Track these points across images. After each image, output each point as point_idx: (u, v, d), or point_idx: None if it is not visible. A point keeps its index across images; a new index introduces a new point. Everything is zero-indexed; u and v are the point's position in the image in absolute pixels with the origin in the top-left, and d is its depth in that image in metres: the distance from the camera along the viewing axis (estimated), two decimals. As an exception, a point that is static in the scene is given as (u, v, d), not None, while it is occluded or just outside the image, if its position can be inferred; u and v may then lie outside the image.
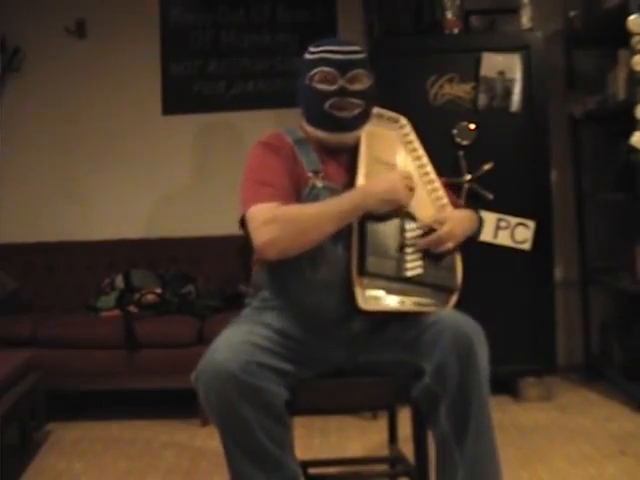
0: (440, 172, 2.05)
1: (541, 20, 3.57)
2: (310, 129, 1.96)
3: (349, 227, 1.83)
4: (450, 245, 1.89)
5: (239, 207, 1.86)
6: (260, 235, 1.75)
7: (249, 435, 1.65)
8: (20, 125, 4.10)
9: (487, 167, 3.39)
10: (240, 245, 1.87)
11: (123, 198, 4.09)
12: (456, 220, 1.92)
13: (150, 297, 3.55)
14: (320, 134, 1.93)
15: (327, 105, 1.88)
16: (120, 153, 4.11)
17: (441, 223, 1.88)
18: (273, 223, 1.74)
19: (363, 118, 1.94)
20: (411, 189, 1.86)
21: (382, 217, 1.85)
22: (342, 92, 1.87)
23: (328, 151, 1.96)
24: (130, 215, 4.07)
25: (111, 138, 4.11)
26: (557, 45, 3.89)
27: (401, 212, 1.87)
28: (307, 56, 1.94)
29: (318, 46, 1.92)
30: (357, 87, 1.89)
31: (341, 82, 1.87)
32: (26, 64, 4.09)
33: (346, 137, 1.93)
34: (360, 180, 1.87)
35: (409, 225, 1.88)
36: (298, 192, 1.86)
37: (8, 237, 4.00)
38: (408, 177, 1.87)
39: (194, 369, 1.70)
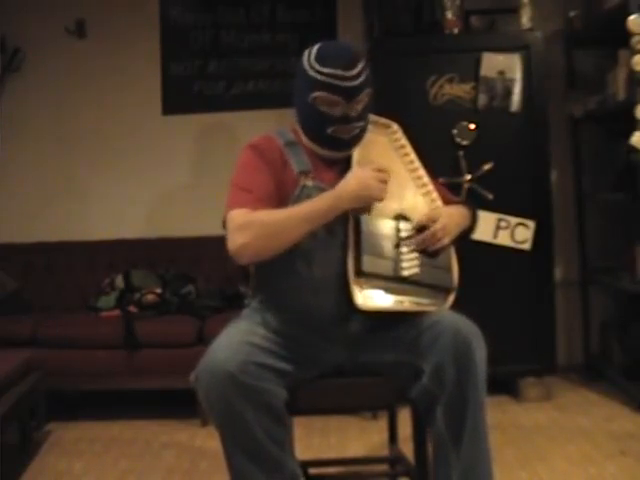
0: (439, 172, 2.05)
1: (541, 20, 3.57)
2: (305, 140, 1.94)
3: (345, 228, 1.84)
4: (445, 241, 1.88)
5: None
6: (233, 240, 1.77)
7: (249, 435, 1.65)
8: (20, 125, 4.10)
9: (487, 167, 3.39)
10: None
11: (123, 198, 4.09)
12: (448, 215, 1.92)
13: (150, 297, 3.55)
14: (318, 150, 1.93)
15: (330, 130, 1.87)
16: (120, 153, 4.11)
17: (434, 220, 1.88)
18: (245, 228, 1.75)
19: (362, 133, 1.94)
20: (384, 182, 1.84)
21: (377, 218, 1.85)
22: (345, 120, 1.86)
23: (321, 157, 1.96)
24: (130, 215, 4.07)
25: (111, 138, 4.11)
26: (557, 45, 3.89)
27: (397, 214, 1.88)
28: (311, 72, 1.84)
29: (323, 63, 1.83)
30: (359, 109, 1.87)
31: (345, 110, 1.85)
32: (26, 64, 4.09)
33: (343, 154, 1.93)
34: None
35: (404, 225, 1.89)
36: (286, 195, 1.86)
37: (8, 237, 4.00)
38: (380, 170, 1.87)
39: (194, 369, 1.70)
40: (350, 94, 1.83)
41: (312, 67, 1.85)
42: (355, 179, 1.82)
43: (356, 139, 1.92)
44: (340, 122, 1.86)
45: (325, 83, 1.83)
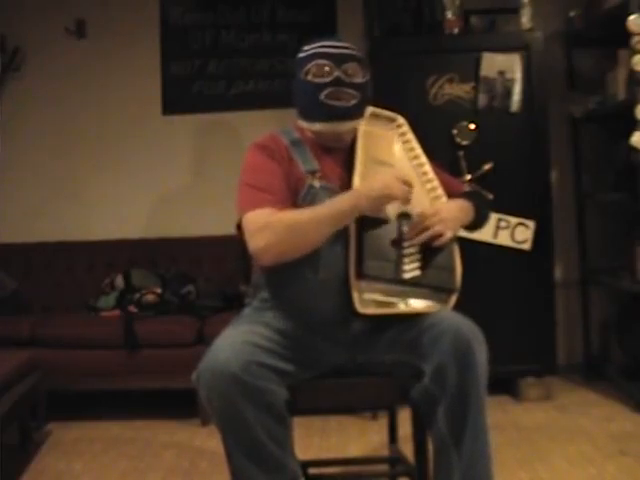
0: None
1: (541, 20, 3.57)
2: (306, 124, 1.96)
3: (348, 228, 1.83)
4: (448, 235, 1.88)
5: (235, 210, 1.86)
6: (255, 242, 1.76)
7: (250, 435, 1.65)
8: (20, 125, 4.10)
9: (487, 167, 3.39)
10: (240, 245, 1.87)
11: (123, 198, 4.09)
12: (447, 210, 1.91)
13: (150, 297, 3.55)
14: (316, 126, 1.93)
15: (322, 95, 1.89)
16: (120, 153, 4.11)
17: (433, 215, 1.87)
18: (267, 229, 1.75)
19: (359, 110, 1.94)
20: (408, 184, 1.84)
21: (379, 219, 1.84)
22: (338, 82, 1.89)
23: (324, 150, 1.96)
24: (130, 215, 4.07)
25: (111, 138, 4.11)
26: (557, 45, 3.89)
27: (399, 213, 1.87)
28: (301, 54, 1.97)
29: (312, 43, 1.96)
30: (353, 79, 1.91)
31: (337, 73, 1.89)
32: (26, 64, 4.09)
33: (342, 127, 1.93)
34: (356, 180, 1.87)
35: (407, 224, 1.88)
36: (295, 193, 1.86)
37: (8, 237, 4.00)
38: (404, 175, 1.86)
39: (194, 369, 1.70)
40: (338, 58, 1.91)
41: (302, 51, 1.97)
42: (378, 181, 1.82)
43: (352, 111, 1.92)
44: (331, 85, 1.89)
45: (314, 53, 1.93)
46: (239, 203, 1.85)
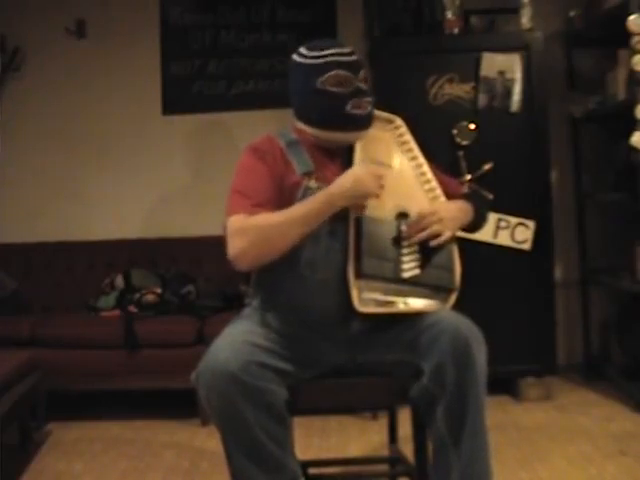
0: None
1: (541, 20, 3.57)
2: (319, 133, 1.94)
3: (346, 228, 1.83)
4: (447, 234, 1.88)
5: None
6: (231, 247, 1.78)
7: (249, 435, 1.65)
8: (20, 125, 4.10)
9: (487, 167, 3.39)
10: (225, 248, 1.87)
11: (123, 198, 4.09)
12: (445, 209, 1.91)
13: (150, 297, 3.54)
14: (338, 136, 1.93)
15: (349, 106, 1.89)
16: (120, 153, 4.11)
17: (431, 214, 1.88)
18: (242, 234, 1.76)
19: (373, 112, 1.98)
20: (379, 177, 1.84)
21: (378, 219, 1.84)
22: (358, 92, 1.90)
23: (322, 152, 1.96)
24: (130, 215, 4.07)
25: (111, 138, 4.11)
26: (557, 45, 3.89)
27: (398, 212, 1.87)
28: (310, 61, 1.91)
29: (319, 49, 1.92)
30: (367, 86, 1.94)
31: (356, 82, 1.90)
32: (26, 64, 4.09)
33: (362, 135, 1.95)
34: None
35: (405, 225, 1.88)
36: (289, 196, 1.86)
37: (8, 237, 4.00)
38: (376, 166, 1.88)
39: (194, 369, 1.70)
40: (355, 67, 1.92)
41: (309, 56, 1.93)
42: (348, 176, 1.81)
43: (370, 117, 1.95)
44: (355, 95, 1.90)
45: (332, 62, 1.90)
46: (225, 208, 1.86)
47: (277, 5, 4.08)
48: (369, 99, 1.93)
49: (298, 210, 1.79)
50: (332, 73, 1.89)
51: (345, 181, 1.80)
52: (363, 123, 1.93)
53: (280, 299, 1.88)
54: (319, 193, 1.81)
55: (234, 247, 1.77)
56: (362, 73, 1.93)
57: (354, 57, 1.93)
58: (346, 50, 1.93)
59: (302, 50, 1.95)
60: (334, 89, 1.89)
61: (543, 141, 3.45)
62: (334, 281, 1.83)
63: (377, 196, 1.84)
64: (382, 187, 1.84)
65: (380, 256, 1.83)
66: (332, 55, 1.90)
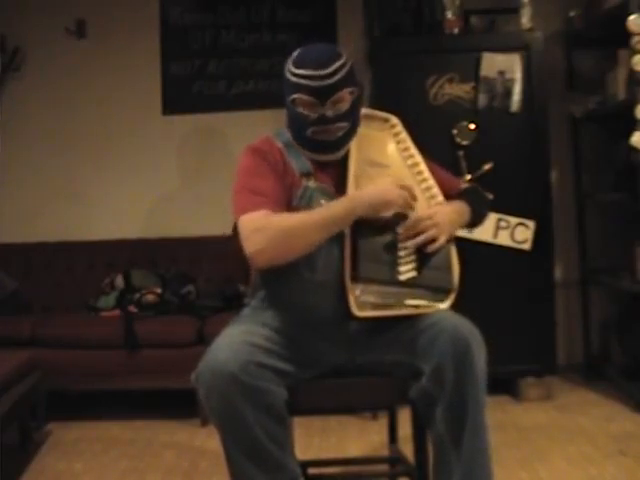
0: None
1: (541, 20, 3.57)
2: (299, 147, 1.93)
3: (343, 230, 1.82)
4: (443, 239, 1.87)
5: (231, 213, 1.86)
6: (249, 245, 1.76)
7: (249, 435, 1.65)
8: (20, 125, 4.10)
9: (487, 167, 3.39)
10: (235, 248, 1.87)
11: (123, 198, 4.09)
12: (442, 213, 1.90)
13: (150, 297, 3.54)
14: (307, 154, 1.92)
15: (309, 132, 1.86)
16: (120, 153, 4.11)
17: (427, 218, 1.87)
18: (261, 233, 1.74)
19: (349, 136, 1.91)
20: (407, 190, 1.84)
21: (374, 221, 1.84)
22: (322, 120, 1.84)
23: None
24: (130, 215, 4.07)
25: (111, 138, 4.11)
26: (557, 45, 3.89)
27: (395, 215, 1.86)
28: (288, 75, 1.87)
29: (297, 64, 1.84)
30: (339, 109, 1.84)
31: (321, 110, 1.83)
32: (26, 64, 4.09)
33: (329, 157, 1.91)
34: (350, 181, 1.87)
35: (401, 228, 1.87)
36: (290, 195, 1.86)
37: (8, 237, 4.00)
38: (402, 181, 1.86)
39: (194, 369, 1.70)
40: (323, 94, 1.82)
41: (289, 70, 1.87)
42: (374, 187, 1.82)
43: (342, 141, 1.89)
44: (317, 123, 1.84)
45: (298, 84, 1.84)
46: (235, 206, 1.84)
47: (277, 5, 4.08)
48: (338, 124, 1.85)
49: (319, 213, 1.78)
50: (298, 95, 1.85)
51: (369, 189, 1.81)
52: (331, 148, 1.89)
53: (280, 299, 1.89)
54: (342, 198, 1.81)
55: (254, 244, 1.75)
56: (336, 97, 1.82)
57: (328, 81, 1.81)
58: (322, 73, 1.80)
59: (291, 58, 1.88)
60: (300, 110, 1.86)
61: (543, 141, 3.45)
62: (333, 282, 1.82)
63: (408, 208, 1.84)
64: (409, 205, 1.84)
65: (376, 259, 1.83)
66: (302, 77, 1.82)
